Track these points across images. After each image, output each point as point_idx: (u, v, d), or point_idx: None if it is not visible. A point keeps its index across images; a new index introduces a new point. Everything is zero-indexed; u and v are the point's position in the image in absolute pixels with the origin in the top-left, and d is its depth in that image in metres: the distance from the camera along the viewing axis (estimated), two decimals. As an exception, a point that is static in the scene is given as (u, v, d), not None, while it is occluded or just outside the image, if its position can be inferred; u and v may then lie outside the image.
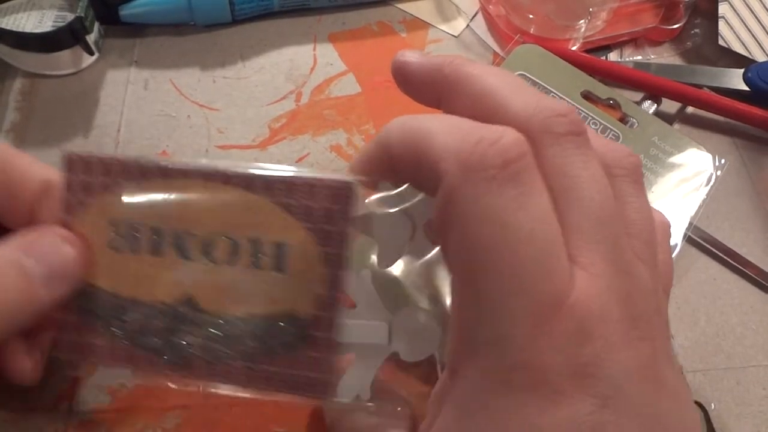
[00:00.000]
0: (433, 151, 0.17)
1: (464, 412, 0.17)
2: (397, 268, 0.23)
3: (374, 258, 0.21)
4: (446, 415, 0.18)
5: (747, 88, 0.37)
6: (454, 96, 0.20)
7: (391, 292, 0.22)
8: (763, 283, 0.33)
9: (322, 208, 0.20)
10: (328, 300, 0.20)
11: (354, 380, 0.21)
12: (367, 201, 0.21)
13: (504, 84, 0.19)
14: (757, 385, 0.30)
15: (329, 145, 0.36)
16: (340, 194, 0.20)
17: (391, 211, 0.21)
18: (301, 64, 0.39)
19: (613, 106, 0.36)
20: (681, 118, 0.38)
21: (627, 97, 0.36)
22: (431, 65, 0.20)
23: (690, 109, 0.38)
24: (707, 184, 0.33)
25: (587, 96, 0.36)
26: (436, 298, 0.22)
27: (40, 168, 0.24)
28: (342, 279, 0.20)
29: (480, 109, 0.19)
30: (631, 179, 0.19)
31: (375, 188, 0.21)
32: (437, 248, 0.21)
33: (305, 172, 0.20)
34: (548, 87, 0.35)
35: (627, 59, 0.40)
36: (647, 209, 0.19)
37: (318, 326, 0.20)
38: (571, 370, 0.16)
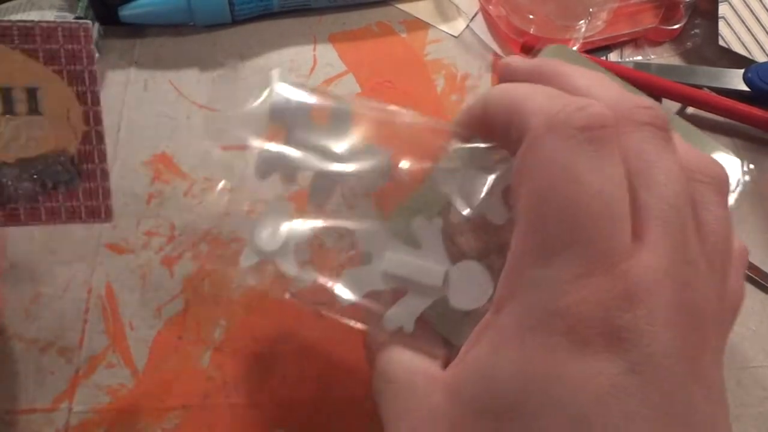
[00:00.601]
0: (526, 110, 0.19)
1: (500, 344, 0.18)
2: (468, 225, 0.24)
3: (450, 208, 0.23)
4: (482, 347, 0.18)
5: (747, 89, 0.37)
6: None
7: (457, 243, 0.23)
8: (763, 283, 0.33)
9: (64, 50, 0.22)
10: (92, 134, 0.22)
11: (401, 312, 0.22)
12: (455, 154, 0.22)
13: (595, 80, 0.20)
14: (756, 386, 0.30)
15: (329, 146, 0.36)
16: (78, 35, 0.22)
17: (475, 168, 0.22)
18: (301, 64, 0.39)
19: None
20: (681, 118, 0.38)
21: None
22: (531, 64, 0.22)
23: (690, 110, 0.38)
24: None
25: None
26: (497, 258, 0.23)
27: None
28: (99, 113, 0.22)
29: None
30: (715, 188, 0.20)
31: (469, 142, 0.22)
32: (510, 213, 0.22)
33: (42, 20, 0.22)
34: None
35: (627, 59, 0.40)
36: (726, 222, 0.19)
37: (88, 159, 0.22)
38: (607, 328, 0.16)
